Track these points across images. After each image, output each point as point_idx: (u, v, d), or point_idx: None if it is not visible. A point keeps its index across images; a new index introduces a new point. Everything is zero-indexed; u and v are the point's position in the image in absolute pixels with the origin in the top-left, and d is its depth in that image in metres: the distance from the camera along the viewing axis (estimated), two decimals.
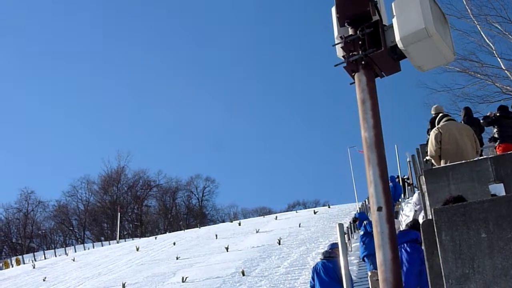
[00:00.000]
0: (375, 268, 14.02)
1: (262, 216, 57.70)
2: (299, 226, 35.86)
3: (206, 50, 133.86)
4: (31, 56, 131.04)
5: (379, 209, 4.13)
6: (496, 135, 14.35)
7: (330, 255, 12.06)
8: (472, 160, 9.09)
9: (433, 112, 14.60)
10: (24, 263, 53.52)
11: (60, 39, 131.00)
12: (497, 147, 14.15)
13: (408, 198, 28.87)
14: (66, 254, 53.66)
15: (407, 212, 20.69)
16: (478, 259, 3.64)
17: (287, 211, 73.22)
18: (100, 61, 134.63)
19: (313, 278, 11.82)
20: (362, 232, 16.01)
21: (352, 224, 26.84)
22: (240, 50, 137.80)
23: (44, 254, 59.86)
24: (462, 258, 3.68)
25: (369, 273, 11.77)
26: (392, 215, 4.20)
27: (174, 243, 39.28)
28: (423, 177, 9.65)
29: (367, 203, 34.69)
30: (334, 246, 12.36)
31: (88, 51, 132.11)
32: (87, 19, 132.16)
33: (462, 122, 13.69)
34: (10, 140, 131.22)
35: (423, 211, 13.49)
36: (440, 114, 10.51)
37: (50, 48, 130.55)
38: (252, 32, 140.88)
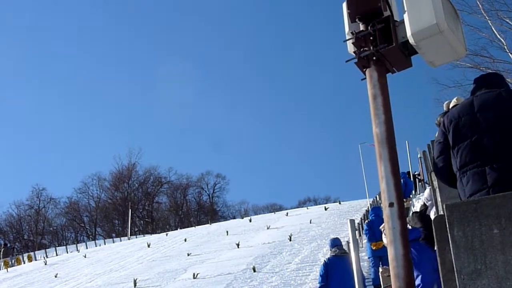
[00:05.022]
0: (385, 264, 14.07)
1: (273, 213, 57.70)
2: (310, 223, 35.87)
3: (218, 48, 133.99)
4: (39, 52, 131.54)
5: (391, 205, 4.13)
6: None
7: (343, 251, 12.11)
8: None
9: (445, 109, 14.56)
10: (36, 260, 53.76)
11: (69, 36, 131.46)
12: None
13: (419, 194, 28.83)
14: (78, 250, 53.85)
15: (417, 209, 20.65)
16: (490, 255, 3.64)
17: (298, 207, 73.26)
18: (111, 58, 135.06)
19: (325, 274, 11.76)
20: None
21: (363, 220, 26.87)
22: (249, 49, 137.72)
23: (56, 251, 60.08)
24: (474, 254, 3.68)
25: (380, 269, 11.79)
26: (403, 210, 4.20)
27: (185, 240, 39.35)
28: (433, 172, 9.63)
29: (378, 199, 34.65)
30: (336, 243, 12.38)
31: (99, 48, 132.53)
32: (96, 16, 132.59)
33: None
34: (22, 137, 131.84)
35: (434, 207, 13.46)
36: (451, 107, 10.38)
37: (60, 44, 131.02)
38: (257, 29, 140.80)
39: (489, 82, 4.57)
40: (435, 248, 4.32)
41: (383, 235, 8.89)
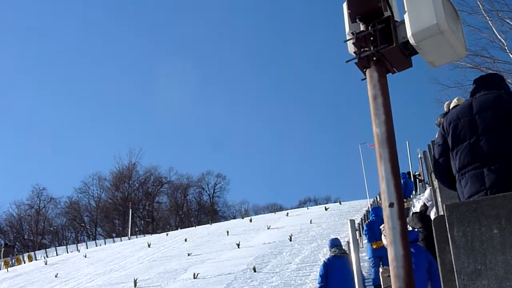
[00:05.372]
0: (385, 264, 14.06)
1: (273, 213, 57.69)
2: (310, 223, 35.88)
3: (218, 48, 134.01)
4: (40, 52, 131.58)
5: (391, 205, 4.13)
6: None
7: (343, 252, 12.10)
8: None
9: (445, 110, 14.55)
10: (36, 260, 53.76)
11: (69, 36, 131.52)
12: None
13: (419, 194, 28.84)
14: (78, 250, 53.85)
15: (418, 209, 20.65)
16: (490, 255, 3.64)
17: (298, 207, 73.28)
18: (111, 58, 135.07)
19: (325, 275, 11.74)
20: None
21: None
22: (249, 49, 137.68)
23: (56, 251, 60.07)
24: (474, 254, 3.68)
25: (381, 269, 11.80)
26: (403, 211, 4.20)
27: (186, 240, 39.36)
28: (434, 175, 9.63)
29: (378, 199, 34.61)
30: (336, 243, 12.36)
31: (99, 48, 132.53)
32: (97, 17, 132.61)
33: None
34: (22, 137, 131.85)
35: (434, 208, 13.45)
36: (451, 108, 10.41)
37: (60, 44, 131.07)
38: (257, 29, 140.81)
39: (488, 83, 4.57)
40: (436, 249, 4.31)
41: (382, 236, 8.90)
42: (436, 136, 4.86)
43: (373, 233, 16.10)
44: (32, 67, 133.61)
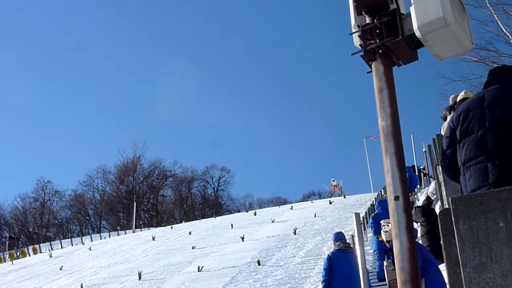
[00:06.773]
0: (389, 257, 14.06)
1: (278, 206, 57.70)
2: (315, 216, 35.88)
3: (219, 45, 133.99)
4: (46, 48, 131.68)
5: (396, 198, 4.12)
6: None
7: (347, 245, 12.09)
8: None
9: (451, 103, 14.55)
10: (41, 252, 53.95)
11: (74, 33, 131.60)
12: None
13: (424, 188, 28.82)
14: (83, 243, 54.01)
15: (421, 203, 20.64)
16: (495, 248, 3.63)
17: (302, 201, 73.27)
18: (115, 53, 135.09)
19: (329, 268, 11.71)
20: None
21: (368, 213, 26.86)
22: (251, 45, 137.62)
23: (61, 243, 60.28)
24: (480, 247, 3.68)
25: (385, 263, 11.80)
26: (409, 204, 4.20)
27: (190, 233, 39.42)
28: (440, 167, 9.61)
29: (383, 193, 34.63)
30: (340, 237, 12.34)
31: (103, 44, 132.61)
32: (101, 15, 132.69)
33: None
34: (27, 130, 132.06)
35: (439, 201, 13.46)
36: (459, 100, 10.39)
37: (67, 41, 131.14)
38: (258, 24, 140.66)
39: (504, 77, 4.55)
40: (441, 242, 4.31)
41: (382, 231, 8.89)
42: (444, 126, 4.87)
43: (379, 225, 16.12)
44: (36, 61, 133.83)
